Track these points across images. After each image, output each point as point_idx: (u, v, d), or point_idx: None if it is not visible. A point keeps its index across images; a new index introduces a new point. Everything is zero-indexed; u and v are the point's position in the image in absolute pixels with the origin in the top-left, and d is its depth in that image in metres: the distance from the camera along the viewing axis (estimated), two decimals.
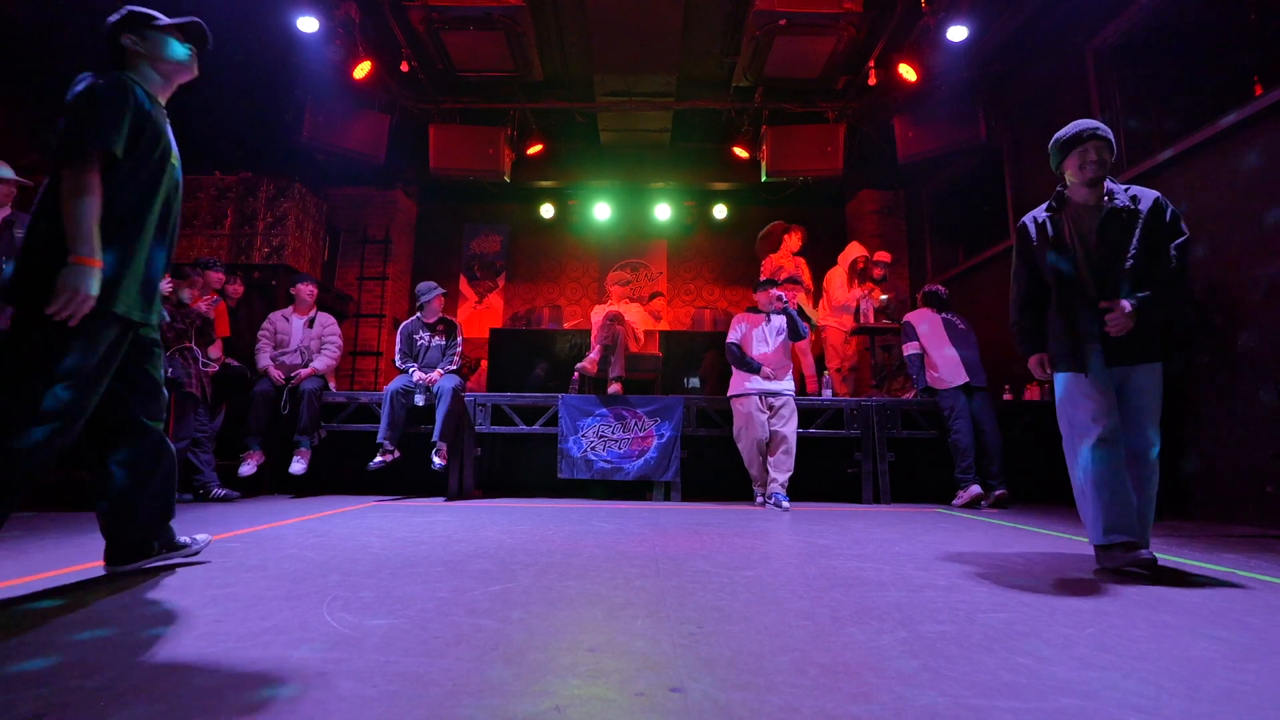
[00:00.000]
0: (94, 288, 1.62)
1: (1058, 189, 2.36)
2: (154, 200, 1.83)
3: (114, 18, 1.88)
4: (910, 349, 4.71)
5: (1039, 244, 2.35)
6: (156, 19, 1.91)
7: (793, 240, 6.34)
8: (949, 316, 4.74)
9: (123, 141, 1.71)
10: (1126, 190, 2.27)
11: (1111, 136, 2.24)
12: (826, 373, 5.69)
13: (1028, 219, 2.41)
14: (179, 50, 1.93)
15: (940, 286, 4.93)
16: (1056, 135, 2.32)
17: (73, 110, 1.67)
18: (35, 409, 1.58)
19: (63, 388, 1.62)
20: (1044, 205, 2.39)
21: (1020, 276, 2.44)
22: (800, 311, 5.92)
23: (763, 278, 5.96)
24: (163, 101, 1.94)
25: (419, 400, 4.48)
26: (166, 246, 1.92)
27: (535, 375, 5.93)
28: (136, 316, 1.81)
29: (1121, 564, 2.06)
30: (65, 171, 1.65)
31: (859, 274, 6.08)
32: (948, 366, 4.52)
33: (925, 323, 4.70)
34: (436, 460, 4.28)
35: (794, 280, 6.01)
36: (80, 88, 1.70)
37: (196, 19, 1.95)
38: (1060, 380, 2.32)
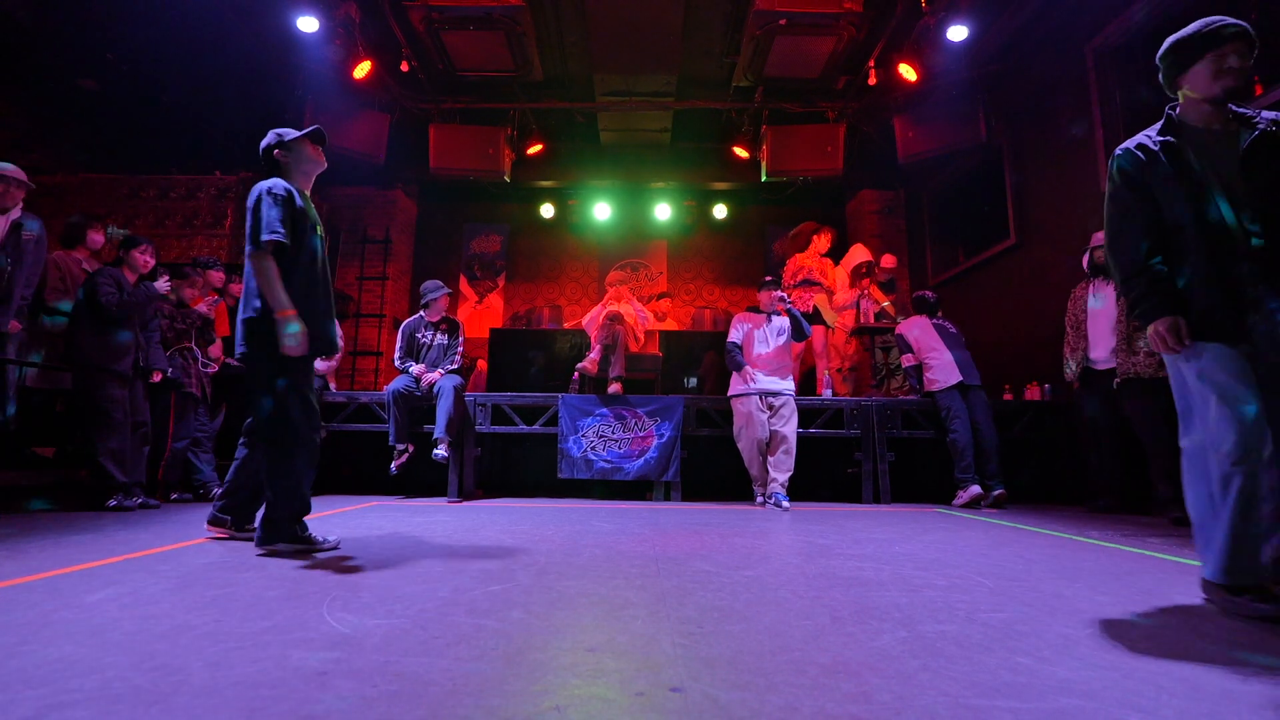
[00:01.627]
0: (296, 327, 2.27)
1: (1167, 110, 1.85)
2: (315, 269, 2.44)
3: (266, 141, 2.50)
4: (907, 361, 4.77)
5: (1157, 176, 1.78)
6: (289, 135, 2.51)
7: (821, 241, 6.26)
8: (939, 321, 4.81)
9: (288, 233, 2.34)
10: (1256, 112, 1.79)
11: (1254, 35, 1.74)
12: (828, 372, 5.69)
13: (1133, 145, 1.84)
14: (309, 153, 2.54)
15: (929, 292, 4.99)
16: (1178, 35, 1.80)
17: (251, 210, 2.33)
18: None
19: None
20: (1153, 129, 1.86)
21: (1135, 214, 1.81)
22: (816, 312, 5.92)
23: (793, 276, 5.94)
24: (308, 191, 2.56)
25: (419, 390, 4.49)
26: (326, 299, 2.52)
27: (534, 374, 5.93)
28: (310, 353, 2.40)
29: (1250, 613, 1.61)
30: (250, 256, 2.32)
31: (861, 278, 6.08)
32: (942, 367, 4.55)
33: (917, 330, 4.76)
34: (439, 451, 4.28)
35: (809, 283, 5.99)
36: (255, 192, 2.36)
37: (318, 127, 2.56)
38: (1208, 354, 1.71)
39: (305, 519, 2.38)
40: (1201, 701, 1.06)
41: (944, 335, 4.69)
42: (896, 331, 4.91)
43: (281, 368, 2.31)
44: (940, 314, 4.95)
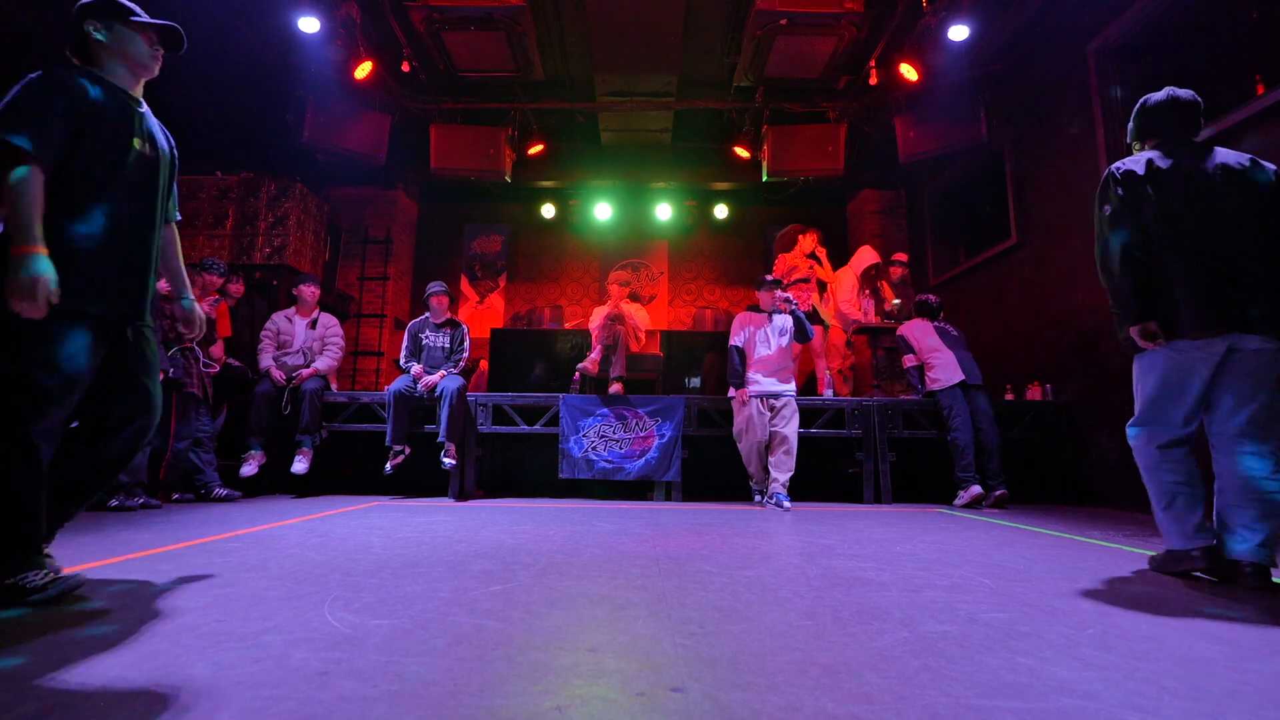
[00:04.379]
0: (39, 268, 1.53)
1: None
2: (109, 192, 1.73)
3: (82, 2, 1.78)
4: (909, 362, 4.79)
5: None
6: (134, 13, 1.83)
7: (807, 241, 6.34)
8: (941, 324, 4.85)
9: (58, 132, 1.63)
10: None
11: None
12: (828, 372, 5.69)
13: None
14: (142, 43, 1.84)
15: (931, 296, 5.02)
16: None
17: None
18: None
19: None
20: None
21: None
22: (814, 313, 5.93)
23: (783, 276, 5.95)
24: (135, 92, 1.86)
25: (419, 391, 4.50)
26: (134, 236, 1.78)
27: (535, 375, 5.94)
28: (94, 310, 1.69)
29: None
30: None
31: (871, 280, 6.08)
32: (944, 367, 4.58)
33: (919, 331, 4.79)
34: (447, 460, 4.34)
35: (801, 281, 6.00)
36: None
37: (169, 24, 1.86)
38: None
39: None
40: (1203, 702, 1.06)
41: (945, 337, 4.72)
42: (898, 333, 4.92)
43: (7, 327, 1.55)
44: (942, 317, 4.96)
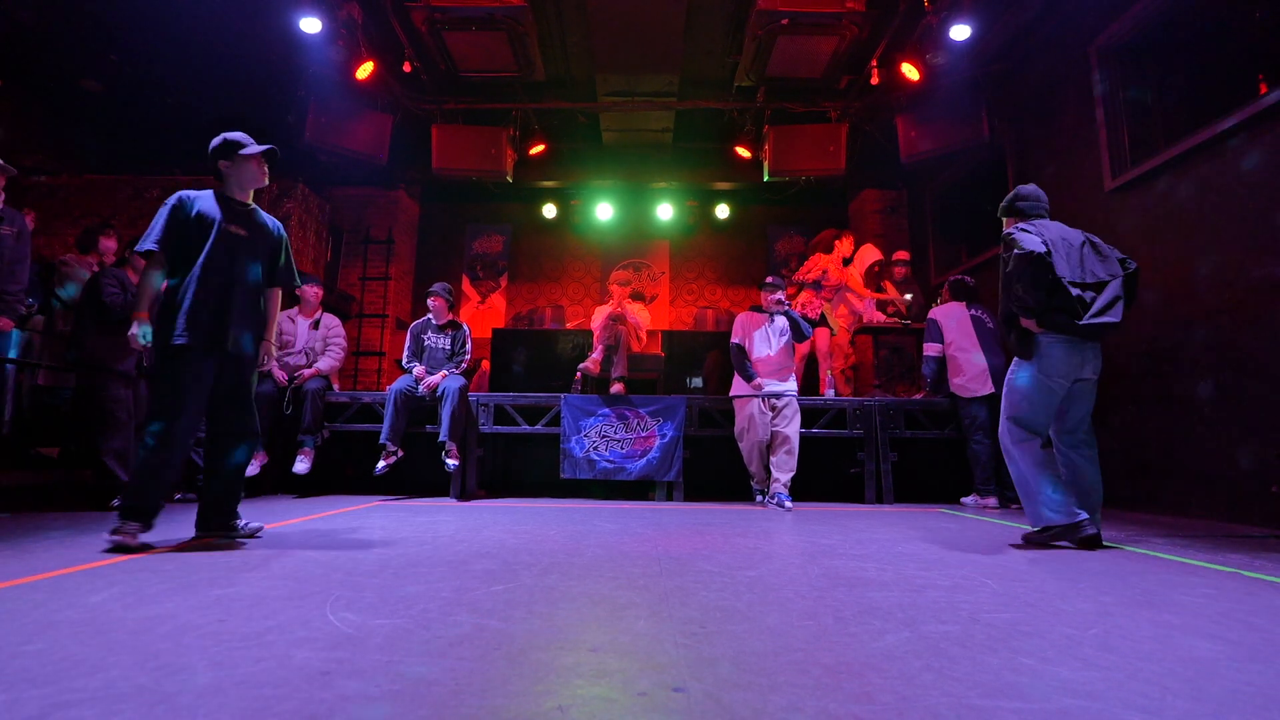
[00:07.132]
0: (134, 329, 2.50)
1: None
2: (211, 273, 2.52)
3: (214, 143, 2.60)
4: (931, 350, 4.45)
5: None
6: (244, 147, 2.62)
7: (845, 245, 6.10)
8: (978, 313, 4.46)
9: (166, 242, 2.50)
10: None
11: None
12: (830, 373, 5.68)
13: None
14: (254, 169, 2.67)
15: (968, 276, 4.64)
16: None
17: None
18: None
19: None
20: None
21: None
22: (823, 317, 5.89)
23: (808, 273, 5.91)
24: (245, 200, 2.69)
25: (421, 391, 4.50)
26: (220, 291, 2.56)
27: (536, 375, 5.93)
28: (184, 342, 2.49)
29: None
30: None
31: (876, 277, 6.04)
32: (974, 375, 4.28)
33: (954, 320, 4.42)
34: (450, 462, 4.34)
35: (804, 284, 5.96)
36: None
37: (273, 148, 2.66)
38: None
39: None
40: (1206, 702, 1.05)
41: (981, 332, 4.35)
42: (929, 316, 4.61)
43: (156, 361, 2.53)
44: (978, 304, 4.56)
